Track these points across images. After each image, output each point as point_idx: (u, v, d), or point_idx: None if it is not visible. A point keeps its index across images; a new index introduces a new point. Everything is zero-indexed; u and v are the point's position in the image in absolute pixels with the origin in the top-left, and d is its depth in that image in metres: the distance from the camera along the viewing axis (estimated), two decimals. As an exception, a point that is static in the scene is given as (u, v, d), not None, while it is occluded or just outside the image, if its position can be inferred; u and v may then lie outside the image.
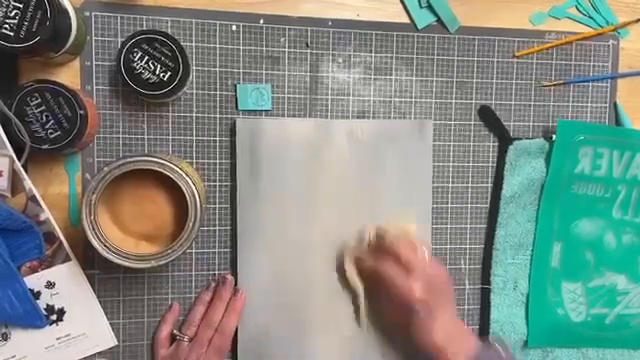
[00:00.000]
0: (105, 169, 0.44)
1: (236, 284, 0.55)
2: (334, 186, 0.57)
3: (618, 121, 0.63)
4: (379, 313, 0.57)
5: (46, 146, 0.47)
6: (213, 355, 0.52)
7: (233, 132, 0.55)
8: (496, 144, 0.61)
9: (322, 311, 0.57)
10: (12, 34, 0.43)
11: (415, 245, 0.52)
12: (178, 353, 0.52)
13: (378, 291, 0.54)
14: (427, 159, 0.59)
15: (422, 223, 0.59)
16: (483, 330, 0.61)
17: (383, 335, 0.57)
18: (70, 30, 0.48)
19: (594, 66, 0.62)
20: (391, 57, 0.58)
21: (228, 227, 0.56)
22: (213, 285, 0.55)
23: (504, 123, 0.61)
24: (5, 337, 0.51)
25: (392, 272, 0.51)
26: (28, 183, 0.49)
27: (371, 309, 0.56)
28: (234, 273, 0.56)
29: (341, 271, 0.56)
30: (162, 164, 0.45)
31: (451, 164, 0.60)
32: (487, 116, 0.60)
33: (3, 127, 0.48)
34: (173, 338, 0.54)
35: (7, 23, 0.43)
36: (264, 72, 0.56)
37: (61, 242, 0.51)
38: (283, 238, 0.56)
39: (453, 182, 0.60)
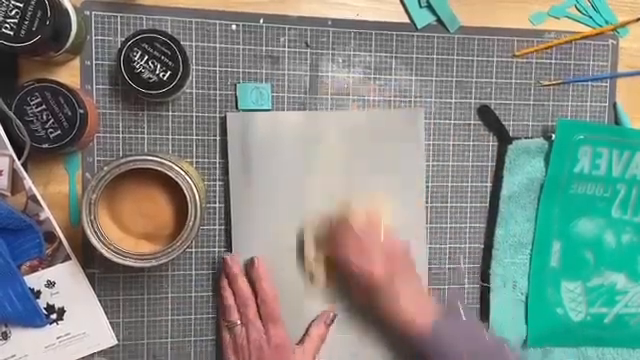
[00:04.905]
0: (105, 168, 0.44)
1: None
2: (327, 177, 0.57)
3: (617, 120, 0.63)
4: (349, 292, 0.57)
5: (46, 145, 0.47)
6: (270, 325, 0.52)
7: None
8: (495, 143, 0.61)
9: (318, 303, 0.57)
10: (12, 33, 0.43)
11: (371, 223, 0.53)
12: (238, 339, 0.52)
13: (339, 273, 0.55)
14: (419, 146, 0.58)
15: (416, 204, 0.59)
16: (482, 329, 0.61)
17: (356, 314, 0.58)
18: (70, 29, 0.48)
19: (593, 66, 0.62)
20: (391, 57, 0.58)
21: (228, 226, 0.56)
22: (224, 271, 0.55)
23: (503, 122, 0.61)
24: (5, 336, 0.51)
25: (350, 257, 0.52)
26: (28, 182, 0.50)
27: (342, 287, 0.57)
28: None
29: (300, 254, 0.57)
30: (162, 163, 0.45)
31: (450, 163, 0.60)
32: (486, 116, 0.60)
33: (3, 126, 0.48)
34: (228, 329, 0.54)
35: (7, 23, 0.43)
36: (264, 72, 0.56)
37: (61, 241, 0.51)
38: (277, 232, 0.56)
39: (452, 181, 0.60)
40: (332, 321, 0.57)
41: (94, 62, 0.53)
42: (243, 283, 0.54)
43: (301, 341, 0.56)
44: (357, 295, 0.56)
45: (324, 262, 0.56)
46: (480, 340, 0.52)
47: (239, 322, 0.53)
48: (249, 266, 0.55)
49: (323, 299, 0.57)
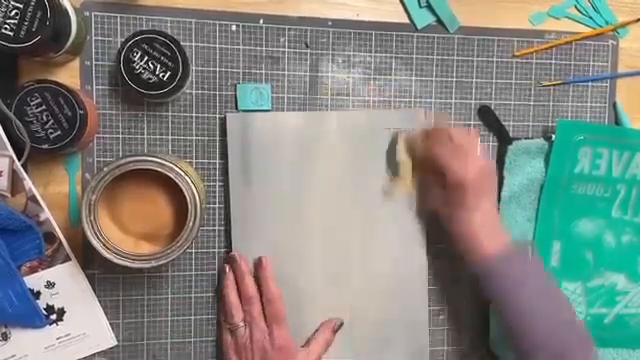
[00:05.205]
0: (105, 169, 0.44)
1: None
2: (328, 177, 0.57)
3: (617, 121, 0.63)
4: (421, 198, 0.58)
5: (46, 146, 0.47)
6: (274, 326, 0.52)
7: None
8: (495, 144, 0.61)
9: (319, 301, 0.57)
10: (12, 34, 0.43)
11: (468, 131, 0.55)
12: (240, 340, 0.52)
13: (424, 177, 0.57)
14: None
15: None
16: (483, 330, 0.61)
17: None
18: (70, 30, 0.48)
19: (593, 66, 0.62)
20: (391, 57, 0.58)
21: (228, 227, 0.56)
22: (227, 268, 0.55)
23: (503, 123, 0.61)
24: (5, 337, 0.51)
25: (448, 154, 0.52)
26: (28, 183, 0.49)
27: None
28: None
29: (392, 151, 0.57)
30: (162, 164, 0.45)
31: (451, 164, 0.60)
32: (486, 116, 0.60)
33: (3, 127, 0.48)
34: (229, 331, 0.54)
35: (7, 23, 0.43)
36: (264, 72, 0.56)
37: (61, 242, 0.51)
38: (277, 232, 0.56)
39: (453, 182, 0.60)
40: (339, 328, 0.57)
41: (94, 63, 0.53)
42: (250, 281, 0.54)
43: (306, 344, 0.56)
44: (434, 202, 0.56)
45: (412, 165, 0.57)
46: (542, 281, 0.52)
47: (242, 324, 0.53)
48: (257, 265, 0.55)
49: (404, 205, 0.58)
